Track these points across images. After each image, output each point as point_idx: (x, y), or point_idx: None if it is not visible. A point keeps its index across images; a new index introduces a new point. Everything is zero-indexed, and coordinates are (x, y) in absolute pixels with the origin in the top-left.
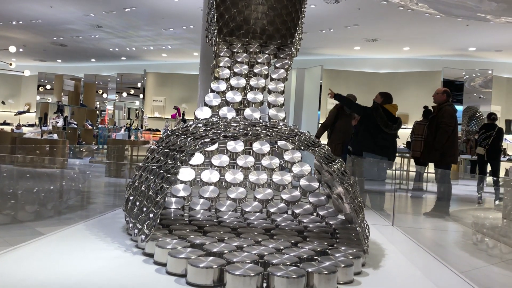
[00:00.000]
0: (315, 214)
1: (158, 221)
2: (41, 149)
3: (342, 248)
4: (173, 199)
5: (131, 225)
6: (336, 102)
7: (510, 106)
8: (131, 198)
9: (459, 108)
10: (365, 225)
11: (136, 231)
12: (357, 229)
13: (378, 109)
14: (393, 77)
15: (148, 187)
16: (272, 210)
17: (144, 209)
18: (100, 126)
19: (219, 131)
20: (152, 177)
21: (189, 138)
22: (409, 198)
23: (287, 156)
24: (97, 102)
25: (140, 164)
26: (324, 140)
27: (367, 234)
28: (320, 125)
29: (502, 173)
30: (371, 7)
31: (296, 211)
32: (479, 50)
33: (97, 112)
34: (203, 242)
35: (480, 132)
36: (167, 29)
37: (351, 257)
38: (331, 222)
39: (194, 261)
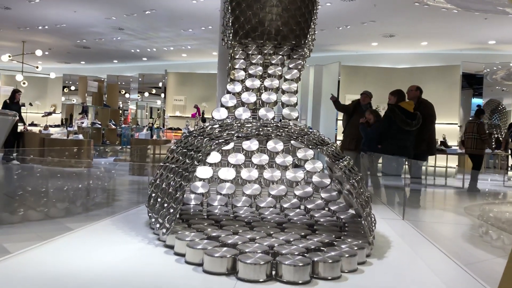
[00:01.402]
0: (326, 209)
1: (177, 216)
2: (68, 149)
3: (349, 240)
4: (192, 196)
5: (153, 220)
6: (355, 97)
7: None
8: (153, 195)
9: (480, 101)
10: (372, 218)
11: (158, 225)
12: (363, 222)
13: (395, 110)
14: (411, 72)
15: (168, 185)
16: (285, 205)
17: (165, 205)
18: (123, 125)
19: (232, 132)
20: (172, 176)
21: (205, 139)
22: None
23: (300, 154)
24: (120, 102)
25: (161, 163)
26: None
27: (373, 227)
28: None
29: None
30: (387, 3)
31: (309, 206)
32: (499, 43)
33: (120, 112)
34: (219, 235)
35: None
36: (186, 30)
37: (356, 248)
38: (342, 216)
39: (210, 252)
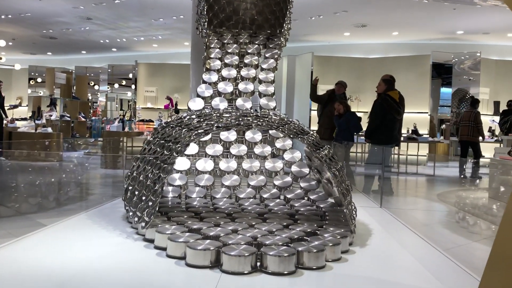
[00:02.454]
0: (306, 198)
1: (157, 209)
2: (38, 142)
3: (331, 229)
4: (170, 188)
5: (131, 213)
6: (328, 88)
7: (498, 88)
8: (129, 188)
9: (449, 90)
10: (353, 207)
11: (136, 219)
12: (345, 211)
13: (387, 99)
14: (383, 62)
15: (146, 177)
16: (265, 195)
17: (143, 198)
18: (93, 118)
19: (212, 122)
20: (149, 168)
21: (184, 130)
22: (399, 181)
23: (278, 144)
24: (89, 94)
25: (138, 155)
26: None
27: (354, 215)
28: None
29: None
30: None
31: (288, 196)
32: (467, 33)
33: (90, 104)
34: (200, 227)
35: (500, 117)
36: (157, 19)
37: (338, 237)
38: (321, 206)
39: (192, 244)
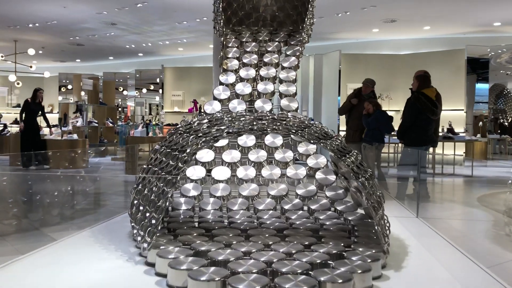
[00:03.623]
0: (332, 209)
1: (160, 227)
2: (65, 150)
3: (360, 249)
4: (183, 200)
5: (135, 231)
6: (355, 86)
7: None
8: (135, 202)
9: (486, 86)
10: (385, 221)
11: (139, 238)
12: (376, 228)
13: (420, 98)
14: (414, 58)
15: (150, 191)
16: (286, 207)
17: (147, 214)
18: (119, 123)
19: (222, 128)
20: (154, 180)
21: (191, 136)
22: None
23: (301, 148)
24: (119, 100)
25: (144, 165)
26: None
27: (387, 232)
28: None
29: None
30: None
31: (312, 207)
32: (505, 25)
33: (119, 109)
34: (208, 249)
35: None
36: (180, 22)
37: (369, 260)
38: (350, 218)
39: (195, 274)
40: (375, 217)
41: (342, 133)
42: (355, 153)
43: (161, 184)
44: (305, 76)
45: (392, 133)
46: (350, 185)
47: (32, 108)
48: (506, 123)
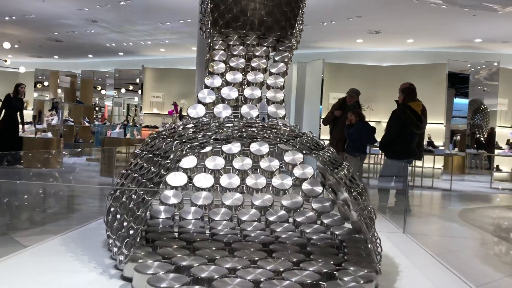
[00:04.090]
0: (319, 222)
1: (139, 239)
2: (35, 148)
3: (351, 268)
4: (162, 208)
5: (111, 240)
6: (341, 96)
7: None
8: (112, 209)
9: (463, 101)
10: (376, 238)
11: (115, 249)
12: (369, 245)
13: (406, 111)
14: (396, 70)
15: (129, 198)
16: (271, 218)
17: (125, 223)
18: (96, 123)
19: (209, 134)
20: (133, 187)
21: (176, 142)
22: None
23: (287, 158)
24: (96, 99)
25: (123, 170)
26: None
27: (379, 249)
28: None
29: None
30: None
31: (298, 219)
32: (485, 42)
33: (96, 108)
34: (190, 264)
35: None
36: (164, 23)
37: (362, 281)
38: (337, 232)
39: None
40: (368, 234)
41: (325, 143)
42: (346, 165)
43: (141, 192)
44: (288, 83)
45: (375, 144)
46: (337, 197)
47: (14, 104)
48: (482, 138)
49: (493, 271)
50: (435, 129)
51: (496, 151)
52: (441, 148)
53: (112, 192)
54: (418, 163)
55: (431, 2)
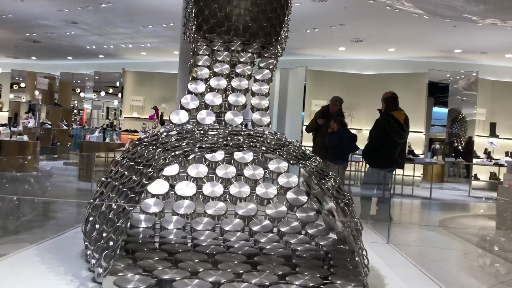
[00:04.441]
0: (303, 232)
1: (118, 251)
2: (10, 152)
3: (338, 282)
4: (143, 216)
5: (89, 251)
6: (322, 103)
7: (495, 109)
8: (90, 219)
9: (443, 110)
10: (362, 249)
11: (93, 261)
12: (356, 258)
13: (389, 121)
14: (378, 78)
15: (109, 208)
16: (255, 228)
17: (104, 234)
18: (75, 126)
19: (193, 142)
20: (114, 196)
21: (159, 150)
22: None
23: (272, 166)
24: (75, 101)
25: (102, 178)
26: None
27: (366, 261)
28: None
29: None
30: (358, 6)
31: (283, 229)
32: (465, 52)
33: (75, 111)
34: (172, 278)
35: None
36: (145, 26)
37: None
38: (322, 243)
39: None
40: (355, 247)
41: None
42: (333, 176)
43: (122, 201)
44: (271, 89)
45: (356, 151)
46: (322, 207)
47: None
48: (460, 147)
49: (477, 282)
50: (415, 137)
51: (474, 160)
52: (421, 156)
53: (91, 200)
54: (399, 171)
55: (413, 12)
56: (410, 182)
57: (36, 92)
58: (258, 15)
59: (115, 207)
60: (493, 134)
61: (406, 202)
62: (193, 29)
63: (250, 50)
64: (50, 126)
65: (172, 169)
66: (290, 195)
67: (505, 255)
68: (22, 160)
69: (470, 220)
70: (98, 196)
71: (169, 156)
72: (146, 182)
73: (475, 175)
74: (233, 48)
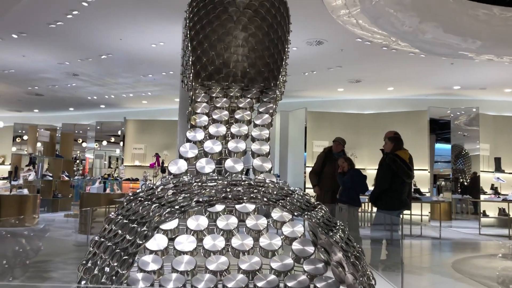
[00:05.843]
0: (312, 287)
1: None
2: (9, 206)
3: None
4: (140, 276)
5: None
6: (324, 144)
7: (498, 144)
8: (83, 282)
9: (446, 146)
10: None
11: None
12: None
13: (396, 161)
14: (378, 117)
15: (101, 271)
16: (260, 284)
17: None
18: (76, 177)
19: (190, 195)
20: (107, 257)
21: (154, 205)
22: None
23: (275, 215)
24: (77, 152)
25: (96, 237)
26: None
27: None
28: (310, 172)
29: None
30: (354, 48)
31: (289, 284)
32: (464, 89)
33: (77, 161)
34: None
35: None
36: (146, 75)
37: None
38: None
39: None
40: None
41: (309, 192)
42: (341, 226)
43: (115, 264)
44: (271, 132)
45: (366, 193)
46: (331, 258)
47: None
48: (466, 183)
49: None
50: (420, 175)
51: (482, 196)
52: (427, 194)
53: (84, 262)
54: (406, 211)
55: (410, 51)
56: (418, 221)
57: (38, 144)
58: (256, 60)
59: (107, 270)
60: (498, 169)
61: (415, 243)
62: (191, 77)
63: (249, 96)
64: (51, 178)
65: (171, 223)
66: (295, 245)
67: None
68: (22, 216)
69: (484, 260)
70: (90, 258)
71: (165, 212)
72: (140, 242)
73: (484, 211)
74: (231, 94)
